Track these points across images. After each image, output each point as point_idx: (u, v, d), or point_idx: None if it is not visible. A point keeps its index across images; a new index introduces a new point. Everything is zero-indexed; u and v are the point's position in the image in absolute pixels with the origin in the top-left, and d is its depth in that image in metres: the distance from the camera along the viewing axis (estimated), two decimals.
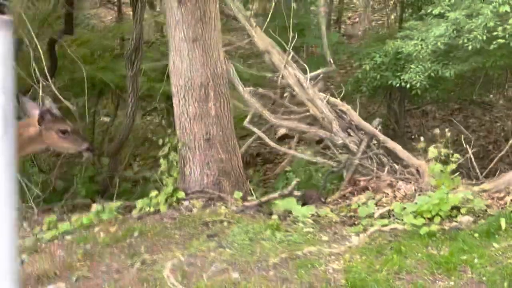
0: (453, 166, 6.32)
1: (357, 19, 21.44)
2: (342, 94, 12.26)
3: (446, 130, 6.61)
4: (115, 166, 9.74)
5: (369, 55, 12.08)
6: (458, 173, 7.17)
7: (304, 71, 8.85)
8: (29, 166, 9.27)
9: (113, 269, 5.69)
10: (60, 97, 7.48)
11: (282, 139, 13.41)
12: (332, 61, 9.61)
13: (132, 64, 8.77)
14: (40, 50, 7.54)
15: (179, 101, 7.06)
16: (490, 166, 8.87)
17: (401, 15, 14.82)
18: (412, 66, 10.46)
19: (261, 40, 8.40)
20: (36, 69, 7.51)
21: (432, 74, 10.36)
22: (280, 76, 8.49)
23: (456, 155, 6.36)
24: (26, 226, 7.24)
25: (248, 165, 11.00)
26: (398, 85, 11.12)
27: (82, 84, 11.95)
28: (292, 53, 8.83)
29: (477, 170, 8.51)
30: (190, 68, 6.92)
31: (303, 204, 7.43)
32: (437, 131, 6.42)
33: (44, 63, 8.16)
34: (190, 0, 6.74)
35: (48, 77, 7.43)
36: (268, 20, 8.81)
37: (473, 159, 8.55)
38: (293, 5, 8.85)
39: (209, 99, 6.99)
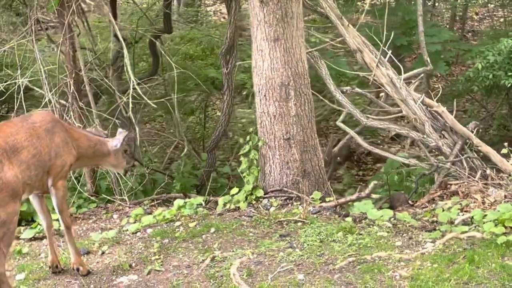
0: None
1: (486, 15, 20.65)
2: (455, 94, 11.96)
3: None
4: (212, 162, 9.92)
5: (482, 53, 11.60)
6: None
7: (401, 71, 8.63)
8: None
9: (184, 264, 5.83)
10: (146, 99, 7.67)
11: (393, 139, 13.24)
12: (429, 61, 9.30)
13: (227, 62, 8.91)
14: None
15: (260, 100, 7.12)
16: None
17: None
18: None
19: (353, 39, 8.27)
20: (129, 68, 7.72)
21: None
22: (373, 75, 8.31)
23: None
24: (116, 217, 7.53)
25: (340, 164, 10.91)
26: (509, 85, 10.66)
27: (193, 80, 12.31)
28: (388, 52, 8.63)
29: None
30: (271, 68, 6.96)
31: (390, 207, 7.30)
32: None
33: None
34: (271, 0, 6.76)
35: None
36: (363, 16, 8.64)
37: None
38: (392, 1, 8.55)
39: (289, 99, 7.00)
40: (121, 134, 6.08)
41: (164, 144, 12.27)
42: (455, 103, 8.65)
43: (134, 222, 7.04)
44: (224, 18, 18.95)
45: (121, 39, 7.76)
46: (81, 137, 5.79)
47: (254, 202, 7.08)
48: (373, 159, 12.69)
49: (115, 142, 6.00)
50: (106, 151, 5.97)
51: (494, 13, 19.62)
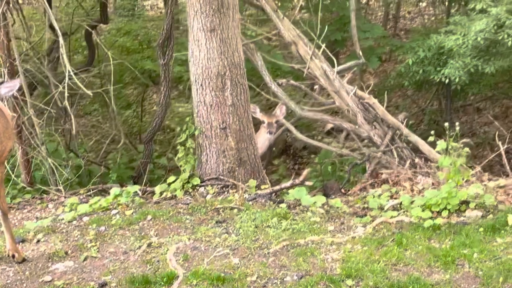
0: (463, 160, 6.26)
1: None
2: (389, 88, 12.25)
3: (457, 123, 6.55)
4: (149, 153, 9.95)
5: (413, 49, 11.93)
6: (489, 166, 7.08)
7: (335, 64, 8.86)
8: (63, 151, 9.58)
9: (121, 251, 5.89)
10: (83, 87, 7.66)
11: (331, 132, 13.49)
12: (361, 54, 9.56)
13: (164, 53, 8.95)
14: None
15: (197, 90, 7.22)
16: None
17: (448, 10, 14.59)
18: (452, 61, 10.31)
19: (288, 32, 8.46)
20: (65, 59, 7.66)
21: (472, 69, 10.19)
22: (307, 67, 8.52)
23: (466, 149, 6.29)
24: (51, 207, 7.51)
25: (276, 157, 11.11)
26: (438, 80, 11.00)
27: (130, 73, 12.28)
28: (322, 46, 8.84)
29: (508, 167, 8.37)
30: (208, 57, 7.06)
31: (324, 195, 7.50)
32: (446, 124, 6.35)
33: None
34: None
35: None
36: (298, 11, 8.81)
37: (503, 155, 8.44)
38: None
39: (225, 88, 7.13)
40: (11, 81, 5.75)
41: (100, 137, 12.21)
42: (386, 95, 8.92)
43: (70, 211, 7.04)
44: (160, 12, 18.93)
45: (57, 28, 7.71)
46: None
47: (190, 190, 7.18)
48: (309, 153, 12.91)
49: (3, 90, 5.55)
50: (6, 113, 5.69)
51: (426, 11, 20.16)
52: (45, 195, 8.08)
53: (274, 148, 10.20)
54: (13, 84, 5.64)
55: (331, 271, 5.25)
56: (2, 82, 5.64)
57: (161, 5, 20.53)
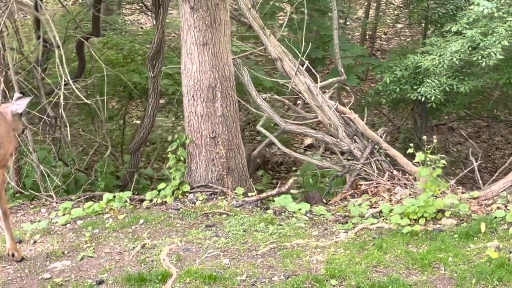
0: (439, 171, 6.67)
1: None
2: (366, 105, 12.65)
3: (434, 137, 6.98)
4: (135, 163, 10.23)
5: (390, 68, 12.34)
6: (461, 183, 7.49)
7: (317, 80, 9.25)
8: (52, 159, 9.84)
9: (116, 251, 6.18)
10: (81, 96, 7.96)
11: (309, 148, 13.86)
12: (343, 71, 9.98)
13: (153, 66, 9.27)
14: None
15: (189, 101, 7.58)
16: (492, 178, 9.15)
17: (425, 32, 15.09)
18: (429, 80, 10.74)
19: (274, 48, 8.85)
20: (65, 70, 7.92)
21: (447, 88, 10.62)
22: (292, 83, 8.90)
23: (443, 161, 6.70)
24: (44, 211, 7.77)
25: (260, 168, 11.46)
26: (414, 98, 11.42)
27: (112, 87, 12.53)
28: (306, 62, 9.23)
29: (480, 182, 8.82)
30: (200, 70, 7.43)
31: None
32: (424, 137, 6.77)
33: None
34: (201, 7, 7.27)
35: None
36: (282, 29, 9.22)
37: (476, 171, 8.90)
38: (306, 18, 9.17)
39: (216, 100, 7.50)
40: (22, 99, 6.14)
41: (86, 147, 12.46)
42: (366, 111, 9.35)
43: (63, 215, 7.30)
44: (141, 28, 19.26)
45: (53, 40, 8.01)
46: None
47: (180, 196, 7.51)
48: (286, 168, 13.26)
49: (15, 107, 6.06)
50: (9, 119, 6.06)
51: (401, 33, 20.72)
52: (35, 201, 8.33)
53: (258, 160, 10.56)
54: (24, 101, 6.06)
55: (316, 272, 5.58)
56: (19, 98, 6.05)
57: (142, 20, 20.92)
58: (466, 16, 9.96)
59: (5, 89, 8.28)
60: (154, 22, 9.56)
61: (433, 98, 10.55)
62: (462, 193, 7.42)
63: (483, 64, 9.44)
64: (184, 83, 7.63)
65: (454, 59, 9.94)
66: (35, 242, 6.55)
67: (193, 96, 7.53)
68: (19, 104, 6.07)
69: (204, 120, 7.55)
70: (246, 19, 8.93)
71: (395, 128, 14.76)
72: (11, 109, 6.06)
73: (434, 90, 10.62)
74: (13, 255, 5.99)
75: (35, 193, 8.44)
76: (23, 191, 8.57)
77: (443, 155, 7.35)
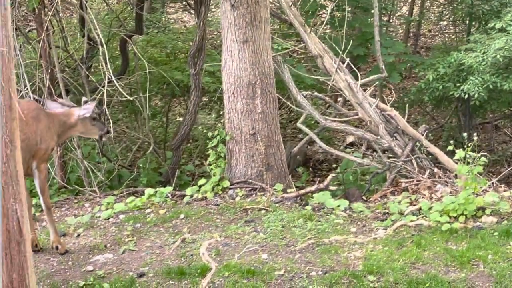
0: (479, 168, 6.62)
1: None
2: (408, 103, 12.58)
3: (475, 134, 6.94)
4: (177, 160, 10.37)
5: (433, 65, 12.24)
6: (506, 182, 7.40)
7: (358, 78, 9.24)
8: (96, 155, 10.04)
9: (157, 245, 6.30)
10: (124, 93, 8.10)
11: (351, 146, 13.82)
12: (384, 69, 9.94)
13: (195, 64, 9.37)
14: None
15: (229, 98, 7.67)
16: None
17: (468, 29, 14.91)
18: (472, 78, 10.63)
19: (315, 45, 8.88)
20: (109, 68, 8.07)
21: (491, 86, 10.51)
22: (332, 80, 8.91)
23: (483, 159, 6.66)
24: (88, 206, 7.94)
25: (301, 165, 11.49)
26: (458, 96, 11.32)
27: (156, 84, 12.70)
28: (347, 60, 9.23)
29: None
30: (240, 67, 7.51)
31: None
32: (464, 134, 6.73)
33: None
34: (242, 4, 7.34)
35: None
36: (323, 27, 9.22)
37: None
38: (348, 14, 9.16)
39: (256, 97, 7.57)
40: (89, 104, 6.37)
41: (129, 143, 12.65)
42: (407, 108, 9.29)
43: (106, 209, 7.46)
44: (184, 26, 19.42)
45: (97, 38, 8.17)
46: (55, 119, 6.20)
47: (220, 192, 7.60)
48: (327, 166, 13.26)
49: (82, 111, 6.29)
50: (73, 122, 6.30)
51: (446, 30, 20.50)
52: (80, 196, 8.53)
53: (298, 157, 10.59)
54: (90, 106, 6.28)
55: (354, 268, 5.62)
56: (86, 102, 6.26)
57: (185, 19, 21.11)
58: (511, 13, 9.84)
59: (51, 86, 8.48)
60: (196, 20, 9.64)
61: (476, 95, 10.44)
62: (504, 191, 7.33)
63: None
64: (224, 80, 7.72)
65: (498, 56, 9.82)
66: (78, 235, 6.72)
67: (233, 93, 7.62)
68: (86, 109, 6.31)
69: (244, 116, 7.63)
70: (287, 17, 8.98)
71: (439, 127, 14.62)
72: (78, 114, 6.30)
73: (478, 87, 10.50)
74: (57, 247, 6.15)
75: (79, 188, 8.64)
76: (68, 186, 8.76)
77: (485, 153, 7.30)
